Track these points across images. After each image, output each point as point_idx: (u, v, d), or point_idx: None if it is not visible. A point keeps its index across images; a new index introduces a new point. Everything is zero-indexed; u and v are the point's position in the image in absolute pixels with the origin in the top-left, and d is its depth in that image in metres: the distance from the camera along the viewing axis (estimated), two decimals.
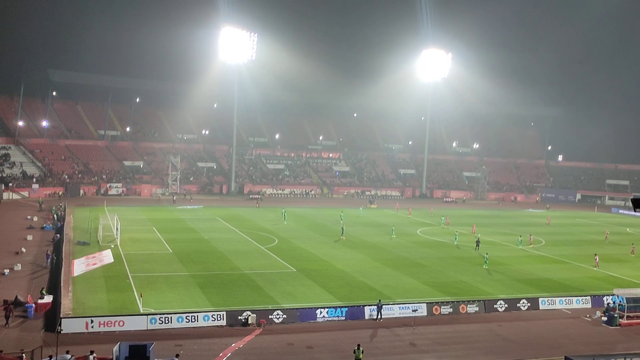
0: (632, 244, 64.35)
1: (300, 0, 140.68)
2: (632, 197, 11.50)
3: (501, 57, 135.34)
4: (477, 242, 60.82)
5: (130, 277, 43.44)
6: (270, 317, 34.98)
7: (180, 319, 33.49)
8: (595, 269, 52.94)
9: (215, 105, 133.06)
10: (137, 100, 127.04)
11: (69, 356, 25.93)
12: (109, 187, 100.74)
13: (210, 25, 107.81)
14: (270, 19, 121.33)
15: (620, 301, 38.28)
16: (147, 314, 33.77)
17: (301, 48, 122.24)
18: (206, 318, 34.08)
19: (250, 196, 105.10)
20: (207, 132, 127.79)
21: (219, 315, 34.37)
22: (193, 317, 33.84)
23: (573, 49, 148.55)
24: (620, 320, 37.60)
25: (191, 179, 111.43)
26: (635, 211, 9.46)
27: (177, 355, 26.40)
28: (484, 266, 51.36)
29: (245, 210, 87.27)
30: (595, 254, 55.89)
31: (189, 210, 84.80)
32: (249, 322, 34.21)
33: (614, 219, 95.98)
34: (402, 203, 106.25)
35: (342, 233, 64.46)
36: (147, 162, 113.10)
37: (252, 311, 34.96)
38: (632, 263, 57.37)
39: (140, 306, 36.17)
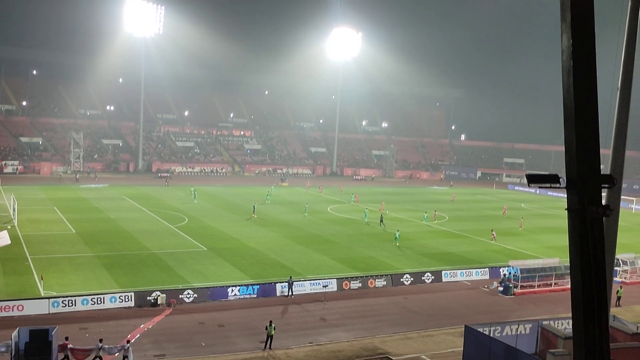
0: (521, 217, 68.79)
1: None
2: (526, 174, 12.31)
3: (409, 39, 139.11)
4: (381, 218, 62.85)
5: (29, 259, 41.35)
6: (180, 296, 34.53)
7: (85, 302, 32.37)
8: (492, 242, 56.11)
9: (120, 80, 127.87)
10: (34, 72, 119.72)
11: None
12: (4, 164, 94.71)
13: None
14: None
15: (515, 272, 40.92)
16: (48, 297, 32.36)
17: (210, 23, 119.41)
18: (113, 300, 33.13)
19: (159, 174, 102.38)
20: (112, 108, 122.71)
21: (126, 297, 33.51)
22: (99, 299, 32.80)
23: (474, 33, 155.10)
24: (515, 290, 40.23)
25: (95, 156, 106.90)
26: (529, 187, 10.30)
27: (100, 340, 25.50)
28: (395, 243, 52.76)
29: (153, 188, 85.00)
30: (492, 230, 59.07)
31: (93, 189, 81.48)
32: (159, 302, 33.64)
33: (510, 195, 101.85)
34: (313, 181, 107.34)
35: (254, 211, 64.31)
36: (46, 138, 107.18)
37: (162, 291, 34.36)
38: (526, 236, 61.32)
39: (41, 289, 34.59)
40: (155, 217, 61.38)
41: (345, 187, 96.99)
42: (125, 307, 33.08)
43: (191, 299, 34.76)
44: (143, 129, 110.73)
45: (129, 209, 65.56)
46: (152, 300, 33.73)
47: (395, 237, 53.53)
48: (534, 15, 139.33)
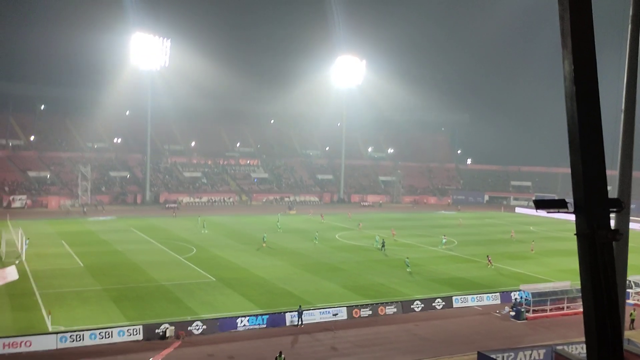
0: (532, 241, 68.25)
1: (214, 7, 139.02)
2: (533, 199, 12.29)
3: (412, 65, 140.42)
4: (383, 243, 63.04)
5: (37, 294, 41.27)
6: (189, 328, 34.29)
7: (92, 336, 32.17)
8: (489, 267, 55.04)
9: (127, 113, 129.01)
10: (42, 107, 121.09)
11: None
12: (12, 199, 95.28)
13: (120, 30, 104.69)
14: (184, 25, 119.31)
15: (526, 296, 40.48)
16: (56, 333, 32.18)
17: (215, 54, 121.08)
18: (121, 333, 32.91)
19: (167, 205, 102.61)
20: (119, 141, 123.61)
21: (134, 330, 33.30)
22: (107, 333, 32.59)
23: (477, 57, 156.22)
24: (527, 314, 39.74)
25: (103, 189, 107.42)
26: (537, 211, 10.31)
27: None
28: (407, 269, 52.26)
29: (161, 219, 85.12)
30: (488, 255, 57.95)
31: (101, 222, 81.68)
32: (167, 334, 33.40)
33: (518, 219, 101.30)
34: (320, 208, 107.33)
35: (264, 241, 64.11)
36: (54, 172, 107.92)
37: (170, 323, 34.13)
38: (536, 259, 60.77)
39: (49, 324, 34.42)
40: (163, 248, 61.33)
41: (353, 213, 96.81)
42: (134, 341, 32.83)
43: (200, 330, 34.51)
44: (150, 161, 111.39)
45: (137, 241, 65.58)
46: (161, 333, 33.49)
47: (407, 265, 53.01)
48: (537, 39, 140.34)
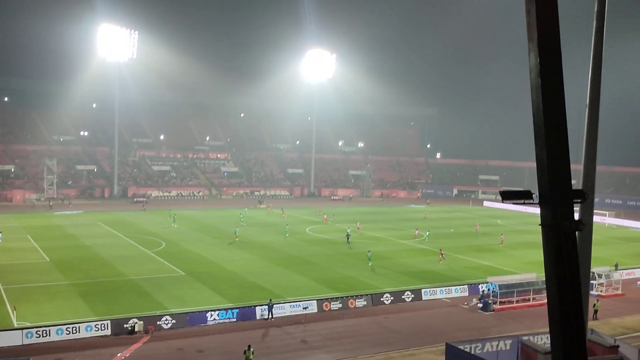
0: (501, 234, 69.40)
1: None
2: (500, 190, 12.50)
3: (383, 59, 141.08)
4: (347, 236, 63.79)
5: (1, 289, 40.40)
6: (158, 323, 33.99)
7: (59, 331, 31.65)
8: (440, 262, 54.06)
9: (94, 105, 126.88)
10: (6, 99, 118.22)
11: None
12: None
13: (87, 21, 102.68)
14: (152, 17, 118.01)
15: (493, 288, 41.19)
16: (21, 328, 31.58)
17: (185, 47, 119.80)
18: (89, 328, 32.45)
19: (135, 199, 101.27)
20: (86, 134, 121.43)
21: (102, 325, 32.87)
22: (74, 329, 32.09)
23: (447, 52, 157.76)
24: (494, 306, 40.43)
25: (70, 182, 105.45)
26: (503, 202, 10.47)
27: None
28: (369, 263, 52.49)
29: (129, 214, 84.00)
30: (441, 249, 56.99)
31: (67, 216, 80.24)
32: (136, 329, 33.05)
33: (486, 212, 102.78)
34: (291, 202, 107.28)
35: (236, 235, 63.79)
36: (19, 166, 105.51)
37: (139, 318, 33.80)
38: (503, 252, 61.81)
39: (14, 320, 33.76)
40: (131, 242, 60.59)
41: (323, 207, 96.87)
42: (102, 336, 32.42)
43: (169, 325, 34.24)
44: (118, 154, 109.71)
45: (105, 235, 64.64)
46: (129, 328, 33.13)
47: (369, 258, 53.01)
48: (505, 33, 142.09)
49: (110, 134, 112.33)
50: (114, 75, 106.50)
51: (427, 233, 69.16)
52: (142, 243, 59.94)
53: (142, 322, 33.43)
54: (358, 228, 72.63)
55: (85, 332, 32.24)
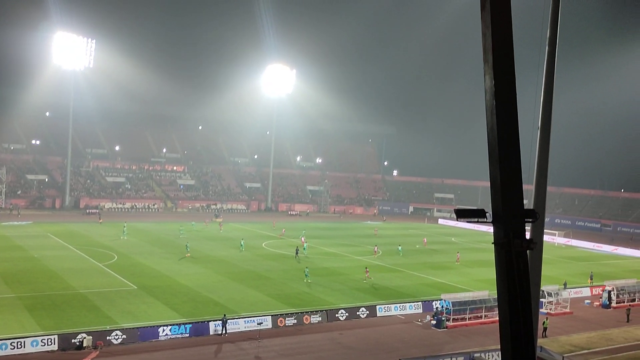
0: (457, 252, 70.46)
1: (142, 9, 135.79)
2: (454, 209, 12.76)
3: (342, 76, 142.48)
4: (297, 251, 63.81)
5: None
6: (108, 338, 33.11)
7: (4, 346, 30.46)
8: (364, 281, 53.02)
9: (47, 114, 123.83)
10: None
11: None
12: None
13: (42, 29, 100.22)
14: (110, 26, 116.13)
15: (447, 305, 41.69)
16: None
17: (143, 57, 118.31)
18: (35, 343, 31.35)
19: (87, 211, 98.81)
20: (37, 142, 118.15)
21: (49, 340, 31.80)
22: (19, 343, 30.95)
23: (405, 72, 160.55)
24: (447, 322, 40.91)
25: (19, 192, 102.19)
26: (457, 221, 10.63)
27: None
28: (306, 280, 51.39)
29: (81, 225, 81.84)
30: (366, 268, 55.98)
31: (15, 227, 77.59)
32: (84, 344, 32.11)
33: (441, 230, 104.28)
34: (247, 217, 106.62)
35: (187, 250, 62.64)
36: None
37: (88, 333, 32.86)
38: (457, 269, 62.76)
39: None
40: (82, 255, 58.99)
41: (279, 222, 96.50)
42: (48, 351, 31.36)
43: (120, 340, 33.38)
44: (71, 164, 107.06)
45: (54, 247, 62.76)
46: (77, 343, 32.15)
47: (306, 274, 52.17)
48: (462, 56, 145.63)
49: (64, 143, 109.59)
50: (69, 84, 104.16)
51: (400, 247, 70.67)
52: (93, 255, 58.43)
53: (90, 337, 32.50)
54: (302, 242, 71.94)
55: (30, 347, 31.13)
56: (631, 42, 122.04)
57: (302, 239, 73.74)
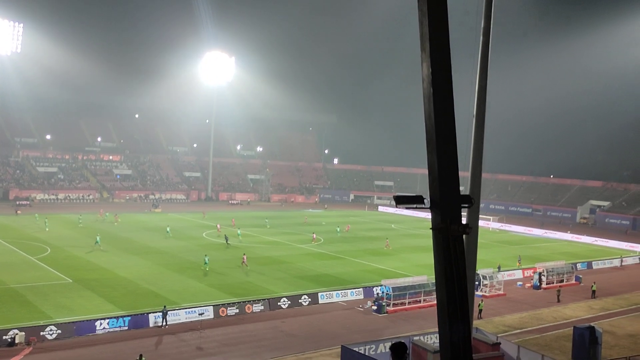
0: (387, 238, 71.76)
1: None
2: (393, 195, 12.95)
3: (282, 64, 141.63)
4: (226, 238, 64.28)
5: None
6: (41, 333, 32.00)
7: None
8: (243, 265, 52.85)
9: None
10: None
11: None
12: None
13: None
14: (39, 9, 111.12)
15: (387, 291, 42.47)
16: None
17: (76, 43, 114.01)
18: None
19: (17, 202, 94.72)
20: None
21: None
22: None
23: (345, 61, 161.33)
24: (387, 308, 41.69)
25: None
26: (397, 207, 10.89)
27: None
28: (204, 267, 50.62)
29: (10, 218, 78.45)
30: (244, 254, 54.91)
31: None
32: (17, 341, 30.94)
33: (381, 217, 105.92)
34: (187, 206, 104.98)
35: (98, 242, 58.61)
36: None
37: (20, 329, 31.67)
38: (396, 255, 63.95)
39: None
40: (12, 248, 56.63)
41: (221, 212, 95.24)
42: None
43: (54, 335, 32.33)
44: None
45: None
46: (9, 340, 30.94)
47: (205, 262, 51.23)
48: (399, 45, 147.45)
49: None
50: None
51: (338, 229, 76.12)
52: (24, 249, 56.19)
53: (23, 333, 31.35)
54: (218, 230, 71.84)
55: None
56: (563, 38, 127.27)
57: (233, 220, 73.91)
